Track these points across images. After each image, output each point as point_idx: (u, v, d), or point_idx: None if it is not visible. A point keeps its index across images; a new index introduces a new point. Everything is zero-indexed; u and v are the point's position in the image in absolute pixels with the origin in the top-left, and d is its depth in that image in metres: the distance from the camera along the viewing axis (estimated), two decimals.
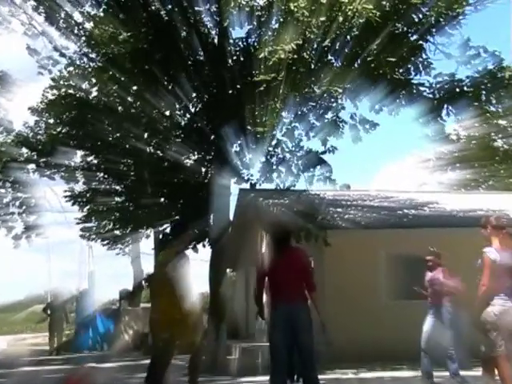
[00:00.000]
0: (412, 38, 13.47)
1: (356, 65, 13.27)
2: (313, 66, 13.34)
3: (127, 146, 15.93)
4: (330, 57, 13.50)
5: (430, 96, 14.34)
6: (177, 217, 16.38)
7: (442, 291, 10.33)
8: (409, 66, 13.85)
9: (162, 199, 16.84)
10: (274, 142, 14.96)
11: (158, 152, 16.31)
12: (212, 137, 15.05)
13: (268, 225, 12.17)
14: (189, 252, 14.74)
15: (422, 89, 14.27)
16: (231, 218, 16.98)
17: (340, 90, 12.59)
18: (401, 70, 13.79)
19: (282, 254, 7.36)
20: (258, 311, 7.88)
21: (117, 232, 18.64)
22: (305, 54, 12.97)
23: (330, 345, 8.29)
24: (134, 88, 15.50)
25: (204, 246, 16.22)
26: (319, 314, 7.32)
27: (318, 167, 15.09)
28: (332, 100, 13.70)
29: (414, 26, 13.27)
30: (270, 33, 13.58)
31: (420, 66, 13.86)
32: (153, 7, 14.70)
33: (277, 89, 12.94)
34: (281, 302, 7.22)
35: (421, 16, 13.18)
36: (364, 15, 11.52)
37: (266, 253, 8.82)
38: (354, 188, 24.38)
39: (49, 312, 22.56)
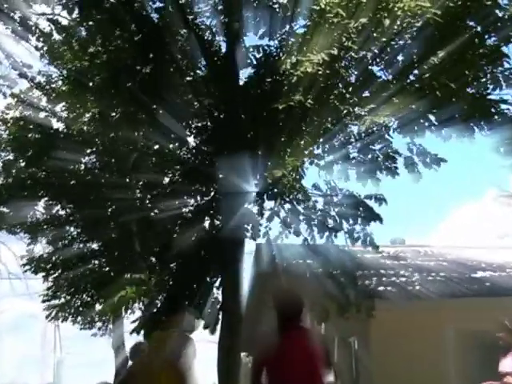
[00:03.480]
0: (489, 42, 13.06)
1: (410, 81, 13.19)
2: (352, 84, 13.37)
3: (106, 191, 15.97)
4: (374, 71, 13.52)
5: None
6: (173, 283, 16.30)
7: None
8: (484, 78, 13.53)
9: (154, 260, 16.81)
10: (300, 184, 14.86)
11: (147, 198, 16.34)
12: (219, 176, 15.06)
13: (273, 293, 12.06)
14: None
15: (503, 107, 13.69)
16: (246, 283, 16.87)
17: (388, 120, 12.47)
18: (473, 84, 13.55)
19: (286, 337, 7.22)
20: None
21: (93, 306, 18.60)
22: (340, 67, 12.94)
23: None
24: (115, 115, 15.61)
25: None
26: None
27: (360, 219, 14.97)
28: (381, 128, 13.61)
29: (492, 26, 12.77)
30: (293, 39, 13.65)
31: (500, 77, 13.35)
32: (139, 6, 14.85)
33: (304, 114, 12.90)
34: None
35: (500, 12, 12.90)
36: (420, 16, 11.47)
37: (268, 334, 8.53)
38: (409, 243, 24.18)
39: None
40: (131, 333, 16.53)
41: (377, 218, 14.60)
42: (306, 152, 13.85)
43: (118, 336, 28.55)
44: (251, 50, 14.85)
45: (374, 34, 12.20)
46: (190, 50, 14.61)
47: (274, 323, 7.44)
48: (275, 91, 13.45)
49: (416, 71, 13.06)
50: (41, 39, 16.13)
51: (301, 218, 15.15)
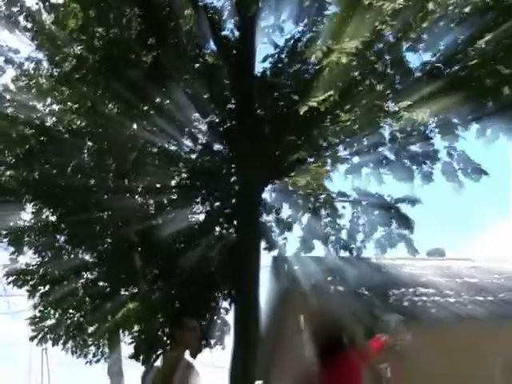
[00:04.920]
0: None
1: (454, 71, 13.05)
2: (386, 75, 13.24)
3: (101, 195, 15.94)
4: (411, 61, 13.40)
5: None
6: (179, 300, 16.25)
7: None
8: None
9: (157, 273, 16.76)
10: (326, 192, 14.82)
11: (150, 202, 16.34)
12: (232, 179, 15.08)
13: (308, 321, 11.87)
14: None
15: None
16: (261, 301, 16.80)
17: (426, 118, 12.30)
18: None
19: (329, 369, 7.20)
20: None
21: (86, 328, 18.50)
22: (373, 55, 12.78)
23: None
24: (112, 107, 15.61)
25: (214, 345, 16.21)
26: None
27: (394, 225, 14.96)
28: (418, 127, 13.50)
29: None
30: (321, 23, 13.68)
31: None
32: None
33: (330, 111, 12.85)
34: None
35: None
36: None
37: (307, 364, 8.51)
38: (450, 256, 24.03)
39: None
40: (130, 357, 16.49)
41: (408, 225, 14.59)
42: (330, 153, 13.80)
43: (114, 362, 28.34)
44: (271, 33, 14.84)
45: (413, 18, 12.05)
46: (198, 33, 14.52)
47: (310, 349, 7.46)
48: (298, 83, 13.39)
49: (461, 60, 12.87)
50: (29, 19, 16.03)
51: (325, 228, 15.11)
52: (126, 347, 18.77)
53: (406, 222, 14.82)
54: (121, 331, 18.49)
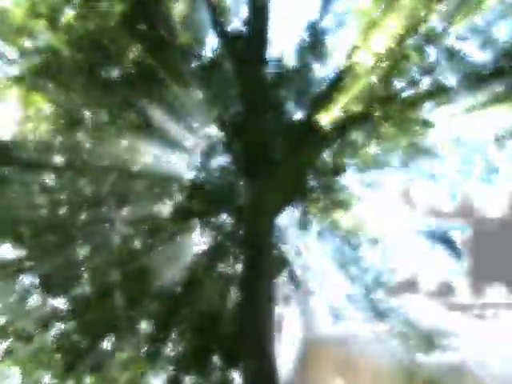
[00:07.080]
0: None
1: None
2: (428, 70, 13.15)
3: (75, 227, 15.73)
4: (462, 55, 13.19)
5: None
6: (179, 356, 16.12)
7: None
8: None
9: (151, 327, 16.61)
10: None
11: (136, 234, 16.13)
12: (238, 204, 15.08)
13: None
14: None
15: None
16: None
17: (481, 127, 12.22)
18: None
19: None
20: None
21: None
22: (408, 50, 12.72)
23: None
24: (88, 115, 15.40)
25: None
26: None
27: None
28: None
29: None
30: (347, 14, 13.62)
31: None
32: None
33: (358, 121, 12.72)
34: None
35: None
36: None
37: None
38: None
39: None
40: None
41: (457, 254, 14.48)
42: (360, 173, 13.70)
43: None
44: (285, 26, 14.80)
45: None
46: (197, 24, 14.38)
47: None
48: (318, 89, 13.29)
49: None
50: None
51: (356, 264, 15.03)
52: None
53: (455, 251, 14.65)
54: None
